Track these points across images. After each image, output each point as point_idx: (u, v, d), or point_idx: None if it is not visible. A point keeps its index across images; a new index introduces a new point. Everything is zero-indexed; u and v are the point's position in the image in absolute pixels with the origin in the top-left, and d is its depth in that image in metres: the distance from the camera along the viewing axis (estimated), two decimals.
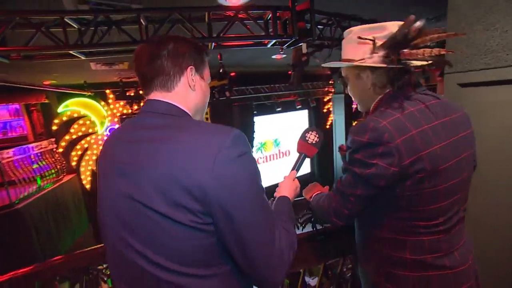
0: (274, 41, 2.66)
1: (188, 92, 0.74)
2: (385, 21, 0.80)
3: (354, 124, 8.91)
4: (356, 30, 0.84)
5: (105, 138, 0.90)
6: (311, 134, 1.05)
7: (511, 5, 1.28)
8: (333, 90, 7.86)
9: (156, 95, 0.72)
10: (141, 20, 2.23)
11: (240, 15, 2.45)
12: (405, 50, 0.74)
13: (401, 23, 0.77)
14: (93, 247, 1.71)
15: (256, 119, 6.87)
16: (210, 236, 0.62)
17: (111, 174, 0.70)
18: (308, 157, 1.05)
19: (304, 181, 0.97)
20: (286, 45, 2.76)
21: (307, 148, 1.05)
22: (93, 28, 2.26)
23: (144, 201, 0.62)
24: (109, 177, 0.71)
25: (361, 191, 0.79)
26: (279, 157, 7.93)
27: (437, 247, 0.80)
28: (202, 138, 0.62)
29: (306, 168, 8.22)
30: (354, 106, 8.30)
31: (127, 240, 0.65)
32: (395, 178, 0.74)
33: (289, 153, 7.95)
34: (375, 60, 0.78)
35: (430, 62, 0.77)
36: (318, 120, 8.22)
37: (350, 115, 7.92)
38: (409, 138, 0.72)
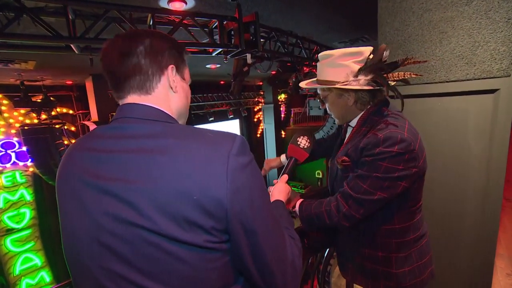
0: (220, 49, 2.65)
1: (170, 94, 0.66)
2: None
3: (283, 133, 9.30)
4: (336, 55, 0.90)
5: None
6: (302, 139, 1.08)
7: (420, 38, 1.65)
8: (263, 100, 8.31)
9: (134, 98, 0.63)
10: (69, 13, 1.90)
11: (185, 21, 2.36)
12: (394, 73, 0.87)
13: (371, 48, 0.90)
14: None
15: None
16: (225, 255, 0.57)
17: (86, 192, 0.57)
18: (298, 161, 1.07)
19: None
20: (231, 54, 2.79)
21: (298, 152, 1.07)
22: None
23: (143, 224, 0.52)
24: (83, 196, 0.57)
25: (379, 196, 0.86)
26: None
27: (422, 222, 1.03)
28: (207, 147, 0.55)
29: None
30: (282, 115, 8.97)
31: (118, 272, 0.54)
32: (414, 178, 0.87)
33: None
34: (362, 82, 0.88)
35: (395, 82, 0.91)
36: (249, 129, 8.49)
37: (280, 124, 8.53)
38: (419, 143, 0.87)
